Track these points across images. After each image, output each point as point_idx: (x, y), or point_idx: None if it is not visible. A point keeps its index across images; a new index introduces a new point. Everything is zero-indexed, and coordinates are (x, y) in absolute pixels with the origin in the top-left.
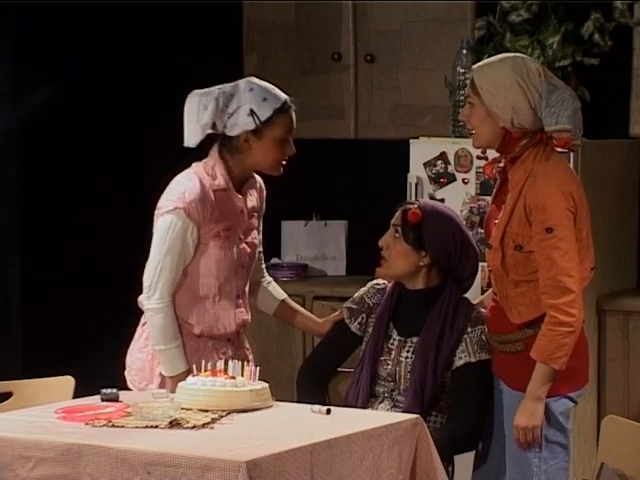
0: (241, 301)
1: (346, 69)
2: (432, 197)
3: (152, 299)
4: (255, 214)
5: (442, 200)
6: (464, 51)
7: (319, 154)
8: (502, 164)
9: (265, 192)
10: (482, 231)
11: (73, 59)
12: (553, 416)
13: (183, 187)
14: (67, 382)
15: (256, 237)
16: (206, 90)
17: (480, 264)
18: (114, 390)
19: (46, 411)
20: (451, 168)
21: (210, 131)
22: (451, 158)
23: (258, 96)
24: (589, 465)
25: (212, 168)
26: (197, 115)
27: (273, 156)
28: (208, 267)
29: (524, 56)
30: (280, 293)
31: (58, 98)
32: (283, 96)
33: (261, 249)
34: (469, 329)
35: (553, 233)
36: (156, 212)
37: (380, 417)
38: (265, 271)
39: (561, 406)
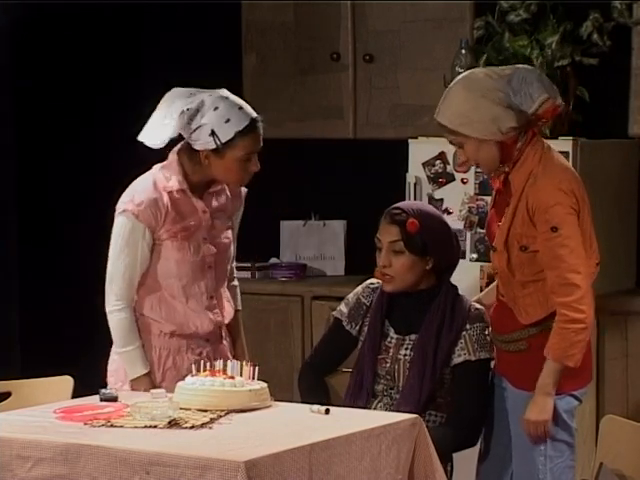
0: (215, 302)
1: (345, 69)
2: (431, 197)
3: (109, 302)
4: (223, 214)
5: (441, 200)
6: (463, 51)
7: (318, 154)
8: (506, 169)
9: (244, 191)
10: (482, 231)
11: (72, 61)
12: (558, 414)
13: (133, 189)
14: (66, 382)
15: (227, 237)
16: (182, 92)
17: (480, 264)
18: (113, 390)
19: (45, 411)
20: (450, 168)
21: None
22: (450, 158)
23: (221, 117)
24: (588, 465)
25: (168, 170)
26: (162, 119)
27: (234, 175)
28: (168, 268)
29: (463, 74)
30: (237, 303)
31: (58, 103)
32: (249, 116)
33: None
34: (468, 326)
35: (558, 232)
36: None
37: (379, 417)
38: (234, 272)
39: (566, 404)
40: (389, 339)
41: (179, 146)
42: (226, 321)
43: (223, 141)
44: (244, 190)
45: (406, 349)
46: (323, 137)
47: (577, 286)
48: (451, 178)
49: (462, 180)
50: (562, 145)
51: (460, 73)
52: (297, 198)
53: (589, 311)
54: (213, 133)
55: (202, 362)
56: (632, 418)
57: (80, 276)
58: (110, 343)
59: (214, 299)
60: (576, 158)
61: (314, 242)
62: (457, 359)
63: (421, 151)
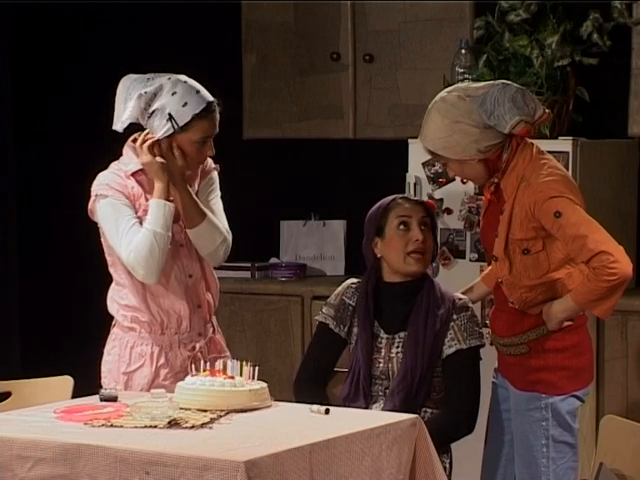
0: (192, 280)
1: (345, 69)
2: (431, 197)
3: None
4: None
5: (441, 200)
6: (463, 51)
7: (318, 154)
8: (495, 180)
9: (211, 168)
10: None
11: (71, 61)
12: (560, 415)
13: (98, 180)
14: (66, 382)
15: None
16: (139, 77)
17: (479, 264)
18: (113, 390)
19: (45, 411)
20: None
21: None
22: None
23: (179, 101)
24: (588, 465)
25: (125, 158)
26: (124, 103)
27: (190, 158)
28: None
29: (440, 95)
30: None
31: (58, 103)
32: (206, 100)
33: (223, 222)
34: (455, 316)
35: (561, 216)
36: (90, 215)
37: (379, 417)
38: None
39: (568, 405)
40: (380, 340)
41: (132, 136)
42: (213, 302)
43: (180, 124)
44: (214, 166)
45: (397, 347)
46: (323, 137)
47: (604, 252)
48: (451, 178)
49: (462, 180)
50: (562, 145)
51: (460, 73)
52: (297, 198)
53: (622, 267)
54: (171, 117)
55: (196, 357)
56: (632, 418)
57: (80, 276)
58: None
59: (192, 277)
60: (576, 158)
61: (314, 242)
62: (449, 350)
63: (421, 151)
